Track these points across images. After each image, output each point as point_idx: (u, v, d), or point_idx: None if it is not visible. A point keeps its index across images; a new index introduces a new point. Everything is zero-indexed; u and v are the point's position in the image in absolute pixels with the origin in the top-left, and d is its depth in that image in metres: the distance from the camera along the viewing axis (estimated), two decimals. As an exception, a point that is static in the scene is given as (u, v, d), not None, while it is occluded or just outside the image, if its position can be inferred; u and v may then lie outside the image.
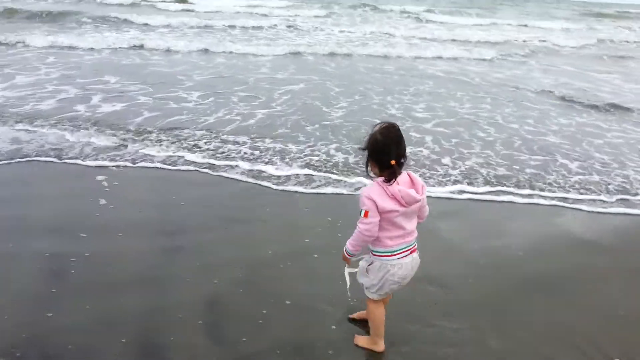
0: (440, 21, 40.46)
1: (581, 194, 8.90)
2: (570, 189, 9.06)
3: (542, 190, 8.94)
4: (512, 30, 37.73)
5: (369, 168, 4.14)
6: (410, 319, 4.95)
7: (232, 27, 30.27)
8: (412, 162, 9.91)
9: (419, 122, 13.16)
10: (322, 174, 9.07)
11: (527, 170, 9.86)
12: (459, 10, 50.31)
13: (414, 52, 24.26)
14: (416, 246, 4.37)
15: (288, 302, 5.37)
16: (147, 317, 5.07)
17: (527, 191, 8.80)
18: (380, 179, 4.03)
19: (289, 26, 32.28)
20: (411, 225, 4.24)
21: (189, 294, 5.48)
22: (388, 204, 3.98)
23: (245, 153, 10.04)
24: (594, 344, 4.93)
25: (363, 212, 4.03)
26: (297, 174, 8.99)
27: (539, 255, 6.81)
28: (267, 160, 9.67)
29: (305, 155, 10.13)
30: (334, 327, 5.01)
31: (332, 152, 10.44)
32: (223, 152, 9.97)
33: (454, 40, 29.89)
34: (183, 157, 9.58)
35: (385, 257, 4.22)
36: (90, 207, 7.49)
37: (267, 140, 10.93)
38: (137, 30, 27.15)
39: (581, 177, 9.75)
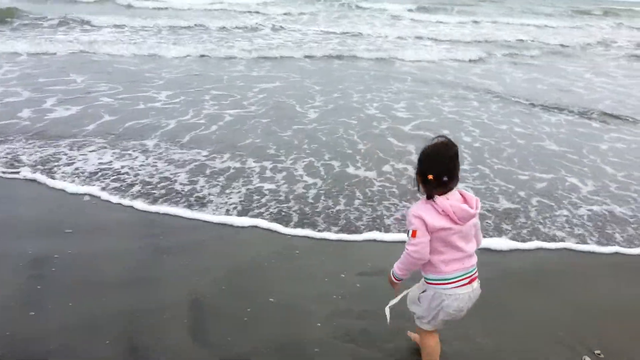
0: (422, 19, 35.90)
1: (600, 241, 6.27)
2: (590, 236, 6.33)
3: (551, 239, 6.20)
4: (494, 28, 33.58)
5: (420, 185, 3.44)
6: (395, 315, 3.82)
7: (216, 28, 25.44)
8: (393, 189, 7.37)
9: (399, 123, 10.73)
10: (256, 221, 6.21)
11: (533, 201, 7.13)
12: (444, 8, 45.23)
13: (396, 51, 20.79)
14: (477, 274, 3.52)
15: (272, 300, 4.79)
16: (131, 317, 4.46)
17: (535, 244, 6.05)
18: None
19: (269, 26, 27.32)
20: (469, 247, 3.42)
21: (174, 293, 4.83)
22: (438, 222, 3.27)
23: (180, 184, 7.17)
24: (576, 337, 4.48)
25: (410, 231, 3.33)
26: (226, 224, 6.19)
27: (521, 250, 6.01)
28: (200, 196, 6.82)
29: (261, 178, 7.46)
30: (319, 324, 4.47)
31: (298, 173, 7.75)
32: (150, 185, 7.10)
33: (435, 39, 25.98)
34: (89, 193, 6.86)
35: (439, 286, 3.44)
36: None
37: (226, 156, 8.27)
38: (108, 29, 22.88)
39: (597, 207, 7.07)
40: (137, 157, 8.08)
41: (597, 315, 4.83)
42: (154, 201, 6.68)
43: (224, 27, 25.63)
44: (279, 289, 4.94)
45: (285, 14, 34.78)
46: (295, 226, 6.20)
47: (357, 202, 6.92)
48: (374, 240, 5.94)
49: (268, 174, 7.70)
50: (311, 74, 15.84)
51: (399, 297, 3.66)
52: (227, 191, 7.04)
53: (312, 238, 5.98)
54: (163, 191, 6.95)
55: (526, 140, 10.07)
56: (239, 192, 7.04)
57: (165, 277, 5.09)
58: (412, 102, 12.73)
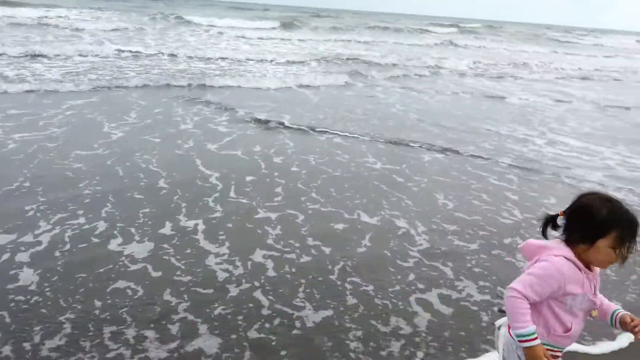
0: (251, 36, 26.43)
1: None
2: None
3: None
4: (323, 44, 25.28)
5: None
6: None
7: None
8: (131, 309, 3.66)
9: (214, 140, 7.55)
10: None
11: (349, 294, 3.64)
12: (271, 19, 37.82)
13: (232, 72, 14.25)
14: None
15: None
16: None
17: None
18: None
19: (91, 41, 18.54)
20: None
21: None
22: None
23: None
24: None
25: None
26: None
27: None
28: None
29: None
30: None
31: (21, 259, 3.92)
32: None
33: (270, 59, 17.68)
34: None
35: None
36: None
37: None
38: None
39: (428, 297, 3.71)
40: None
41: None
42: None
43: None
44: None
45: (113, 29, 24.18)
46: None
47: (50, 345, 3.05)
48: None
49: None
50: (138, 90, 11.20)
51: None
52: None
53: None
54: None
55: (348, 157, 7.13)
56: None
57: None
58: (234, 114, 9.40)
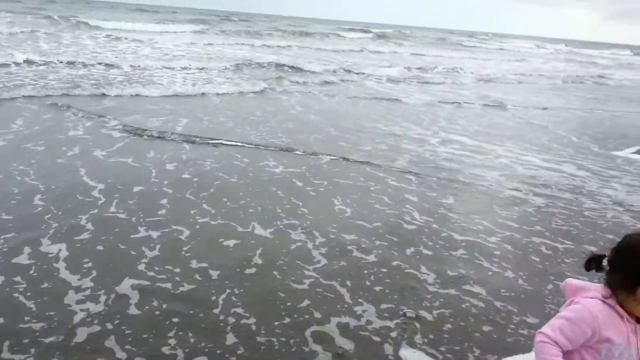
0: (157, 40, 23.01)
1: None
2: None
3: None
4: (231, 48, 23.23)
5: None
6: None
7: None
8: None
9: (104, 147, 6.47)
10: None
11: None
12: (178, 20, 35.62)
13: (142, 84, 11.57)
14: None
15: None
16: None
17: None
18: None
19: None
20: None
21: None
22: None
23: None
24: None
25: None
26: None
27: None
28: None
29: None
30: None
31: None
32: None
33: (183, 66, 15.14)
34: None
35: None
36: None
37: None
38: None
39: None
40: None
41: None
42: None
43: None
44: None
45: (4, 33, 19.78)
46: None
47: None
48: None
49: None
50: (29, 99, 9.46)
51: None
52: None
53: None
54: None
55: (247, 161, 6.36)
56: None
57: None
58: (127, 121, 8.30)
